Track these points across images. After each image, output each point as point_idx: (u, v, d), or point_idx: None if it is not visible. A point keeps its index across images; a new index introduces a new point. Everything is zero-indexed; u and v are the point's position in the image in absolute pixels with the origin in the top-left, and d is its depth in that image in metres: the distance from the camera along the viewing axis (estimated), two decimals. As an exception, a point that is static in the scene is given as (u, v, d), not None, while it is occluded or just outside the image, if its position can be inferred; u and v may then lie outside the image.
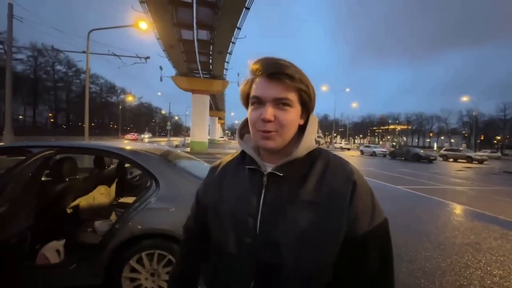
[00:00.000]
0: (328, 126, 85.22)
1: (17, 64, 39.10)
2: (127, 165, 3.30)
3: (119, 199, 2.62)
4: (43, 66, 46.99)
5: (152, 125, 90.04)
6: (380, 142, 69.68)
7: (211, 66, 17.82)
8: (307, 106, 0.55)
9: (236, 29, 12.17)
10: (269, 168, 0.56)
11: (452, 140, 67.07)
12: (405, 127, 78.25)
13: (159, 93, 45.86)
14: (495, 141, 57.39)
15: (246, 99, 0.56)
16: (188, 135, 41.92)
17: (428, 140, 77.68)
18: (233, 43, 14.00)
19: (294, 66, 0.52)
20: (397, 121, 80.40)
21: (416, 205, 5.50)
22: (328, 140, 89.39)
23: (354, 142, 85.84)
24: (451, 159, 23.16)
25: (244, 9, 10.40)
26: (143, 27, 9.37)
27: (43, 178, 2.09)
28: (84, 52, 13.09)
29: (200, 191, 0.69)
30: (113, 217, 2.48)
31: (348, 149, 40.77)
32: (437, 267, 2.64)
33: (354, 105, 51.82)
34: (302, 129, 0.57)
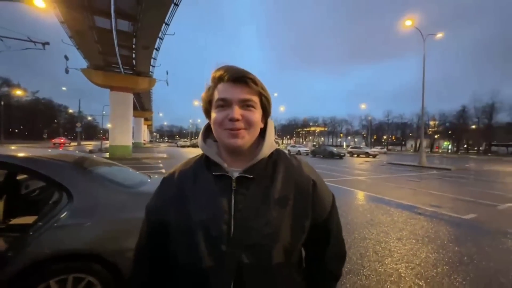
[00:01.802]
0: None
1: None
2: (20, 177, 2.62)
3: (10, 220, 2.06)
4: None
5: (54, 126, 72.82)
6: (304, 142, 79.16)
7: (134, 61, 15.98)
8: (266, 110, 0.60)
9: (164, 24, 11.40)
10: (235, 172, 0.57)
11: (356, 139, 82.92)
12: (323, 128, 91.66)
13: (64, 88, 37.64)
14: (383, 140, 74.75)
15: (208, 106, 0.59)
16: (106, 139, 36.05)
17: (339, 139, 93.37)
18: (160, 38, 13.03)
19: (253, 75, 0.57)
20: (317, 124, 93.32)
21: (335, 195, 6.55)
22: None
23: (283, 143, 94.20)
24: (355, 155, 28.54)
25: (173, 5, 9.86)
26: (40, 5, 7.50)
27: None
28: None
29: (152, 207, 0.64)
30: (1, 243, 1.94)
31: (278, 149, 44.31)
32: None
33: (281, 108, 56.78)
34: (261, 132, 0.61)
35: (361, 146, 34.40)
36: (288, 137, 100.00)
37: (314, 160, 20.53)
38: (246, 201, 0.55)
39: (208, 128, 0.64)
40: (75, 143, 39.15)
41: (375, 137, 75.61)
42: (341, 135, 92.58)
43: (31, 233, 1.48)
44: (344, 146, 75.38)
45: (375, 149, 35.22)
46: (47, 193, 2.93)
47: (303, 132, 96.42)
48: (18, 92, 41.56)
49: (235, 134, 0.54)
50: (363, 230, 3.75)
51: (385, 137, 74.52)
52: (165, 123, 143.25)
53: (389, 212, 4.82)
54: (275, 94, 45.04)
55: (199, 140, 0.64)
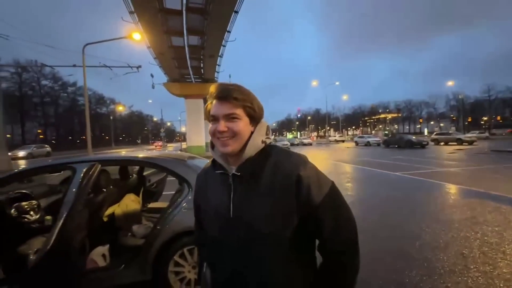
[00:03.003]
0: (321, 120, 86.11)
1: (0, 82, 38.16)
2: (145, 173, 3.48)
3: (147, 205, 2.80)
4: (28, 82, 45.96)
5: (144, 133, 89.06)
6: (373, 132, 71.07)
7: (202, 70, 17.93)
8: (253, 116, 0.71)
9: (226, 32, 12.35)
10: (232, 169, 0.71)
11: (442, 124, 68.95)
12: (396, 115, 79.97)
13: (150, 101, 45.42)
14: (482, 122, 59.19)
15: (209, 116, 0.73)
16: (182, 140, 41.67)
17: (419, 126, 79.55)
18: (223, 46, 14.18)
19: (240, 89, 0.69)
20: (387, 110, 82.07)
21: (416, 188, 5.84)
22: (322, 133, 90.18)
23: (347, 134, 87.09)
24: (442, 143, 23.93)
25: (233, 12, 10.59)
26: (137, 38, 9.46)
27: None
28: (74, 66, 13.03)
29: (195, 195, 0.89)
30: (144, 221, 2.67)
31: (343, 141, 41.54)
32: (440, 241, 2.94)
33: (344, 97, 52.86)
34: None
35: (450, 131, 28.60)
36: (353, 127, 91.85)
37: (387, 151, 18.36)
38: (239, 193, 0.70)
39: None
40: (162, 145, 46.75)
41: (469, 119, 60.91)
42: (421, 120, 78.51)
43: (169, 212, 2.00)
44: (426, 133, 64.05)
45: (471, 134, 28.70)
46: (160, 186, 3.76)
47: (371, 120, 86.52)
48: (120, 108, 52.62)
49: (224, 143, 0.67)
50: (464, 228, 3.27)
51: (485, 118, 58.67)
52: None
53: (500, 209, 3.99)
54: (337, 83, 42.21)
55: (209, 145, 0.78)
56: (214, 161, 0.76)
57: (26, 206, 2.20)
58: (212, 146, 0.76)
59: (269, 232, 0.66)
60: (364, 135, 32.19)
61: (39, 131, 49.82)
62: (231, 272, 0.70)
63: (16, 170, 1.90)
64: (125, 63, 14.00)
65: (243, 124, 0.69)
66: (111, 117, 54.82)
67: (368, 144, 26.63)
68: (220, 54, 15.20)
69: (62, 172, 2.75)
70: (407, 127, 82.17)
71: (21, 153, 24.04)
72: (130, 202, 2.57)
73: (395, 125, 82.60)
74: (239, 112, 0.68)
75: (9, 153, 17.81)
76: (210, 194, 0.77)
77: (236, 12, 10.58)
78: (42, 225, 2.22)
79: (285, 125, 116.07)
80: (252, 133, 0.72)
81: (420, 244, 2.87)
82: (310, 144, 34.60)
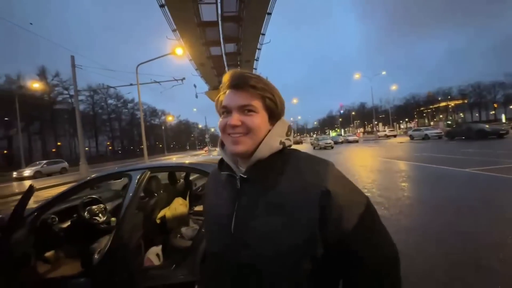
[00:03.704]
0: (367, 115, 79.73)
1: (79, 104, 46.20)
2: (191, 178, 3.70)
3: (194, 208, 2.98)
4: (98, 102, 54.62)
5: (192, 139, 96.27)
6: (431, 123, 62.39)
7: (240, 75, 18.49)
8: (273, 112, 0.58)
9: (261, 35, 12.49)
10: (241, 171, 0.58)
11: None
12: (460, 101, 68.73)
13: (195, 109, 48.97)
14: None
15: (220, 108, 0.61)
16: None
17: (493, 112, 66.81)
18: (258, 49, 14.38)
19: (259, 77, 0.57)
20: (449, 97, 71.15)
21: (494, 188, 4.86)
22: (370, 129, 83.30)
23: (399, 128, 78.37)
24: (529, 131, 19.53)
25: (266, 15, 10.65)
26: (179, 53, 10.36)
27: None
28: (131, 84, 14.86)
29: (203, 203, 0.77)
30: (191, 223, 2.82)
31: (394, 135, 37.51)
32: (536, 253, 2.35)
33: (393, 87, 47.73)
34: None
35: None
36: (406, 120, 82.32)
37: (452, 144, 15.85)
38: (245, 201, 0.56)
39: None
40: (208, 150, 49.81)
41: None
42: (495, 105, 65.70)
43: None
44: (504, 120, 53.29)
45: None
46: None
47: (429, 110, 76.18)
48: (170, 118, 58.23)
49: (236, 141, 0.55)
50: None
51: None
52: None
53: None
54: (383, 73, 38.61)
55: (219, 143, 0.65)
56: (221, 161, 0.64)
57: (95, 209, 2.55)
58: (222, 144, 0.64)
59: (277, 258, 0.50)
60: (421, 128, 28.47)
61: (108, 143, 58.48)
62: None
63: (87, 179, 2.22)
64: (171, 77, 15.39)
65: (260, 119, 0.56)
66: (163, 127, 60.94)
67: (426, 137, 23.44)
68: (256, 57, 15.46)
69: (122, 179, 3.13)
70: (477, 114, 69.83)
71: (27, 172, 19.41)
72: (179, 206, 2.75)
73: (460, 114, 71.01)
74: (257, 104, 0.56)
75: (14, 173, 19.18)
76: (214, 201, 0.65)
77: (269, 14, 10.61)
78: (109, 226, 2.54)
79: (327, 123, 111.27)
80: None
81: (504, 256, 2.35)
82: (356, 141, 32.21)
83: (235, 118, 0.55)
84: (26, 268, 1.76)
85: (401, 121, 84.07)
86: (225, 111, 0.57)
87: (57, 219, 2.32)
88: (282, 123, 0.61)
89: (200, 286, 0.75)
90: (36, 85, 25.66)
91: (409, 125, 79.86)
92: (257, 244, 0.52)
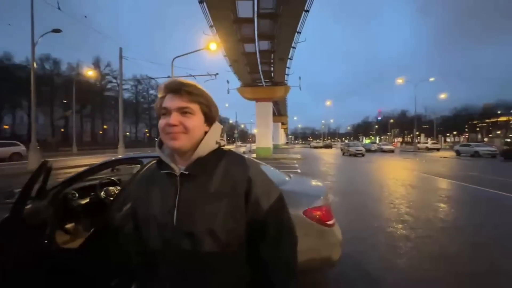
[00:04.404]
0: (408, 124, 73.41)
1: (124, 93, 50.57)
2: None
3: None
4: (141, 92, 59.17)
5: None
6: (485, 139, 54.92)
7: (272, 73, 18.35)
8: (207, 115, 0.68)
9: (296, 33, 12.19)
10: (180, 169, 0.65)
11: None
12: (526, 117, 59.24)
13: (227, 105, 50.18)
14: None
15: (159, 112, 0.68)
16: (254, 142, 44.01)
17: None
18: (293, 48, 14.06)
19: (195, 85, 0.66)
20: (511, 111, 61.74)
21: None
22: (409, 139, 76.57)
23: (444, 141, 70.46)
24: None
25: (304, 12, 10.32)
26: (213, 48, 10.62)
27: None
28: (169, 77, 15.75)
29: (132, 204, 0.78)
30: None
31: (437, 149, 33.92)
32: None
33: (442, 96, 42.94)
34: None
35: None
36: (454, 133, 73.84)
37: (507, 165, 13.71)
38: (187, 195, 0.63)
39: None
40: (233, 146, 50.91)
41: None
42: None
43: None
44: None
45: None
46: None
47: (483, 125, 67.17)
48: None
49: (173, 137, 0.62)
50: None
51: None
52: (299, 126, 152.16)
53: None
54: (431, 79, 35.01)
55: (156, 144, 0.70)
56: (159, 161, 0.70)
57: (112, 191, 2.70)
58: (160, 144, 0.70)
59: (219, 238, 0.61)
60: (471, 143, 25.23)
61: (146, 130, 63.15)
62: (171, 286, 0.62)
63: (101, 161, 2.36)
64: (205, 72, 15.93)
65: (196, 121, 0.65)
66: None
67: (476, 154, 20.71)
68: (289, 56, 15.14)
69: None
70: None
71: None
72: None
73: (525, 131, 61.21)
74: (194, 107, 0.65)
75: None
76: (152, 199, 0.67)
77: (307, 11, 10.27)
78: None
79: (362, 129, 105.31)
80: (205, 133, 0.68)
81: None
82: (392, 151, 29.85)
83: (174, 117, 0.62)
84: (42, 234, 1.92)
85: (447, 134, 75.60)
86: (165, 112, 0.64)
87: (77, 195, 2.51)
88: (217, 126, 0.71)
89: (140, 279, 0.74)
90: (90, 73, 28.76)
91: (457, 139, 71.61)
92: (199, 231, 0.60)
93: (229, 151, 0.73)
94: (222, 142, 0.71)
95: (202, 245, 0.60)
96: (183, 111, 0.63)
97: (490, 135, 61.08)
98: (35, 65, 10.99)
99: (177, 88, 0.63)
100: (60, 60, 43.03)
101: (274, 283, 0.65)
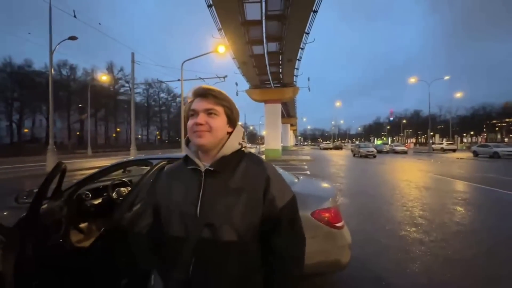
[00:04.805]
0: (421, 124, 71.18)
1: (136, 96, 51.87)
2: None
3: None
4: (152, 95, 60.48)
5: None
6: (506, 140, 52.43)
7: (281, 75, 18.31)
8: (230, 118, 0.76)
9: (304, 34, 12.12)
10: (205, 166, 0.73)
11: None
12: (550, 116, 56.05)
13: (235, 107, 50.55)
14: None
15: (187, 115, 0.76)
16: (263, 143, 43.98)
17: None
18: (301, 49, 13.98)
19: (220, 91, 0.75)
20: (534, 110, 58.58)
21: None
22: (423, 140, 74.08)
23: (461, 142, 67.65)
24: None
25: (312, 13, 10.26)
26: (221, 51, 10.74)
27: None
28: (178, 80, 16.03)
29: (150, 193, 0.85)
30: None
31: (453, 150, 32.63)
32: None
33: (458, 95, 41.37)
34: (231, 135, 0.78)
35: None
36: (471, 133, 70.85)
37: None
38: (210, 189, 0.70)
39: None
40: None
41: None
42: None
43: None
44: None
45: None
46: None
47: (503, 124, 64.04)
48: (212, 114, 61.15)
49: (199, 135, 0.70)
50: None
51: None
52: (309, 127, 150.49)
53: None
54: (446, 77, 33.89)
55: (183, 143, 0.80)
56: (186, 158, 0.78)
57: (123, 191, 2.78)
58: (187, 143, 0.79)
59: (237, 229, 0.68)
60: (489, 143, 24.13)
61: (157, 133, 64.45)
62: (192, 270, 0.68)
63: (114, 163, 2.43)
64: (214, 74, 16.11)
65: (220, 121, 0.73)
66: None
67: (495, 155, 19.79)
68: (298, 57, 15.07)
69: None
70: None
71: None
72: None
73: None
74: (219, 109, 0.73)
75: None
76: (175, 192, 0.75)
77: (315, 11, 10.20)
78: None
79: (373, 130, 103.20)
80: (228, 134, 0.77)
81: None
82: (405, 152, 28.96)
83: (201, 117, 0.71)
84: (58, 233, 2.00)
85: (464, 134, 72.67)
86: (193, 113, 0.73)
87: (90, 195, 2.60)
88: (239, 129, 0.80)
89: (159, 270, 0.80)
90: (104, 78, 29.76)
91: (474, 139, 68.70)
92: (219, 222, 0.67)
93: (249, 152, 0.81)
94: (244, 144, 0.80)
95: (221, 235, 0.67)
96: (209, 112, 0.71)
97: (511, 135, 58.18)
98: (53, 71, 11.48)
99: (204, 93, 0.73)
100: (76, 66, 44.97)
101: (282, 272, 0.73)
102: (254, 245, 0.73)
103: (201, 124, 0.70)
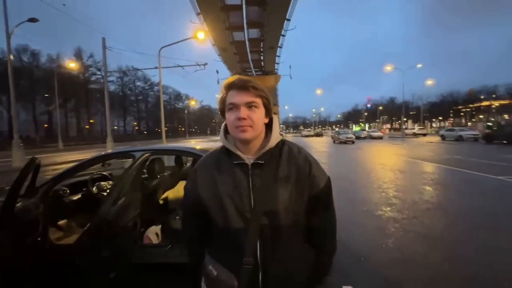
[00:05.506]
0: (396, 111, 74.84)
1: (109, 85, 48.65)
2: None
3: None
4: (127, 84, 57.16)
5: (212, 125, 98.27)
6: (469, 124, 56.92)
7: (262, 62, 18.14)
8: (268, 109, 0.76)
9: (285, 21, 11.98)
10: (249, 159, 0.74)
11: None
12: (507, 101, 61.51)
13: (217, 95, 49.40)
14: None
15: (222, 107, 0.76)
16: (245, 132, 43.80)
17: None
18: (283, 35, 13.87)
19: (257, 82, 0.73)
20: (494, 96, 64.01)
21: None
22: (398, 126, 78.29)
23: (431, 126, 72.37)
24: None
25: (293, -1, 10.12)
26: (201, 37, 10.32)
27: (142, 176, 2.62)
28: (156, 67, 15.26)
29: (189, 189, 0.82)
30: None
31: (424, 134, 34.98)
32: None
33: (429, 82, 43.83)
34: (267, 126, 0.79)
35: None
36: (440, 118, 75.96)
37: (489, 148, 14.40)
38: (260, 181, 0.72)
39: (226, 126, 0.79)
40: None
41: None
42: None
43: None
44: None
45: None
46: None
47: (467, 110, 69.32)
48: (192, 103, 59.75)
49: (244, 129, 0.70)
50: None
51: None
52: (290, 115, 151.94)
53: None
54: (419, 65, 35.57)
55: (221, 136, 0.79)
56: (227, 151, 0.78)
57: (104, 185, 2.68)
58: (225, 134, 0.79)
59: (291, 213, 0.74)
60: (455, 128, 26.11)
61: (134, 123, 61.64)
62: (260, 254, 0.72)
63: (94, 155, 2.32)
64: (194, 62, 15.51)
65: (261, 114, 0.74)
66: (186, 111, 62.51)
67: (460, 138, 21.55)
68: (279, 44, 14.97)
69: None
70: (525, 117, 62.24)
71: None
72: (182, 189, 2.80)
73: (505, 115, 63.72)
74: (258, 101, 0.73)
75: None
76: (222, 185, 0.75)
77: (296, -3, 10.07)
78: None
79: (352, 117, 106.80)
80: (265, 124, 0.77)
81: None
82: (381, 138, 30.56)
83: (244, 112, 0.70)
84: (35, 232, 1.90)
85: (434, 120, 77.76)
86: (232, 107, 0.72)
87: (68, 191, 2.48)
88: (277, 119, 0.81)
89: (219, 259, 0.79)
90: (72, 65, 27.46)
91: (442, 124, 73.81)
92: (275, 209, 0.72)
93: (286, 140, 0.83)
94: (282, 133, 0.79)
95: (278, 220, 0.72)
96: (249, 105, 0.71)
97: (473, 120, 63.35)
98: (11, 57, 10.38)
99: (243, 85, 0.71)
100: (39, 52, 40.69)
101: (324, 243, 0.84)
102: (302, 225, 0.79)
103: (243, 119, 0.69)
